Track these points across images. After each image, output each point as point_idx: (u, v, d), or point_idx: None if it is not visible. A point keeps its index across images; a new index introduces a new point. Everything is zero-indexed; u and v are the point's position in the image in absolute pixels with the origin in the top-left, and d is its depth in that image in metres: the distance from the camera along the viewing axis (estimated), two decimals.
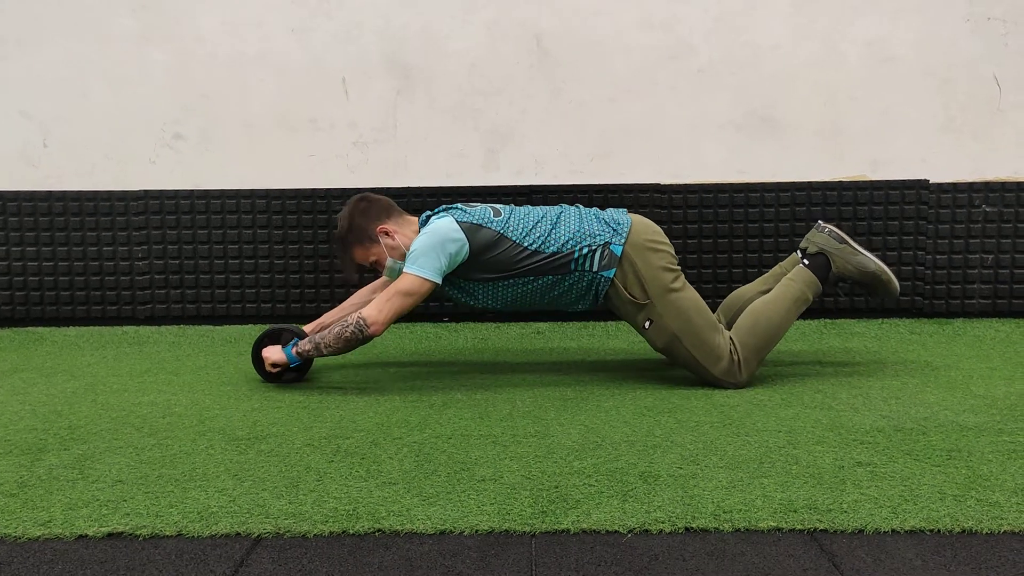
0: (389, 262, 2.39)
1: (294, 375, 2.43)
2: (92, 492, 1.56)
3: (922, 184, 3.26)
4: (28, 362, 2.77)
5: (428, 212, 2.42)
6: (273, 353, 2.38)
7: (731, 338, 2.31)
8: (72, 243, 3.34)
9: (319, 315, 3.30)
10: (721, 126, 3.32)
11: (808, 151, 3.31)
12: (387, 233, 2.38)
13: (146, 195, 3.33)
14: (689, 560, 1.28)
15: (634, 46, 3.29)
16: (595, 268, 2.31)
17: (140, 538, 1.38)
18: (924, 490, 1.52)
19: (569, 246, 2.30)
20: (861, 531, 1.36)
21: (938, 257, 3.29)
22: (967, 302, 3.29)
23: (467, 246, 2.27)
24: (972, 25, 3.25)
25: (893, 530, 1.36)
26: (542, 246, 2.30)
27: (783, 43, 3.27)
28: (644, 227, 2.37)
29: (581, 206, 2.43)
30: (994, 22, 3.24)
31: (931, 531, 1.36)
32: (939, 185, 3.27)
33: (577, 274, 2.31)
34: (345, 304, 2.64)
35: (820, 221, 2.58)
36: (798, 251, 2.58)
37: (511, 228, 2.31)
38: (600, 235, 2.31)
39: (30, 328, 3.33)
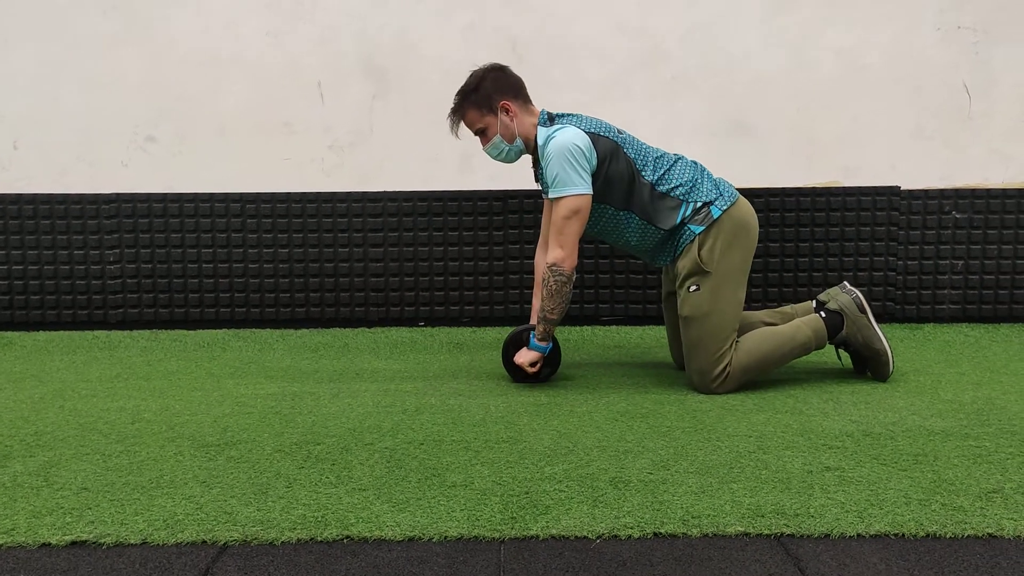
0: (496, 139, 2.40)
1: (549, 370, 2.46)
2: (57, 500, 1.54)
3: (893, 191, 3.29)
4: None
5: (547, 112, 2.40)
6: (524, 356, 2.40)
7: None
8: (43, 246, 3.30)
9: (295, 319, 3.30)
10: (695, 132, 3.34)
11: (781, 157, 3.34)
12: (507, 111, 2.38)
13: (118, 198, 3.29)
14: (657, 566, 1.29)
15: (609, 52, 3.31)
16: (687, 221, 2.33)
17: (104, 546, 1.36)
18: (890, 495, 1.53)
19: (678, 193, 2.32)
20: (827, 536, 1.38)
21: (909, 263, 3.32)
22: (937, 307, 3.33)
23: (595, 152, 2.28)
24: (942, 34, 3.29)
25: (859, 535, 1.38)
26: (658, 181, 2.32)
27: (755, 51, 3.30)
28: (748, 210, 2.40)
29: (695, 161, 2.44)
30: (964, 31, 3.29)
31: (896, 535, 1.38)
32: (910, 192, 3.30)
33: (674, 230, 2.35)
34: (536, 277, 2.64)
35: (846, 283, 2.56)
36: (814, 301, 2.58)
37: (631, 147, 2.34)
38: (708, 193, 2.34)
39: None
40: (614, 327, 3.31)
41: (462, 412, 2.14)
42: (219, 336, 3.21)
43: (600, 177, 2.31)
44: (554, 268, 2.29)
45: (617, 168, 2.30)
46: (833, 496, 1.53)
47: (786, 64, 3.31)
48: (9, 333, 3.28)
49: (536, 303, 2.56)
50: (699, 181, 2.36)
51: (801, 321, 2.45)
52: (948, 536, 1.37)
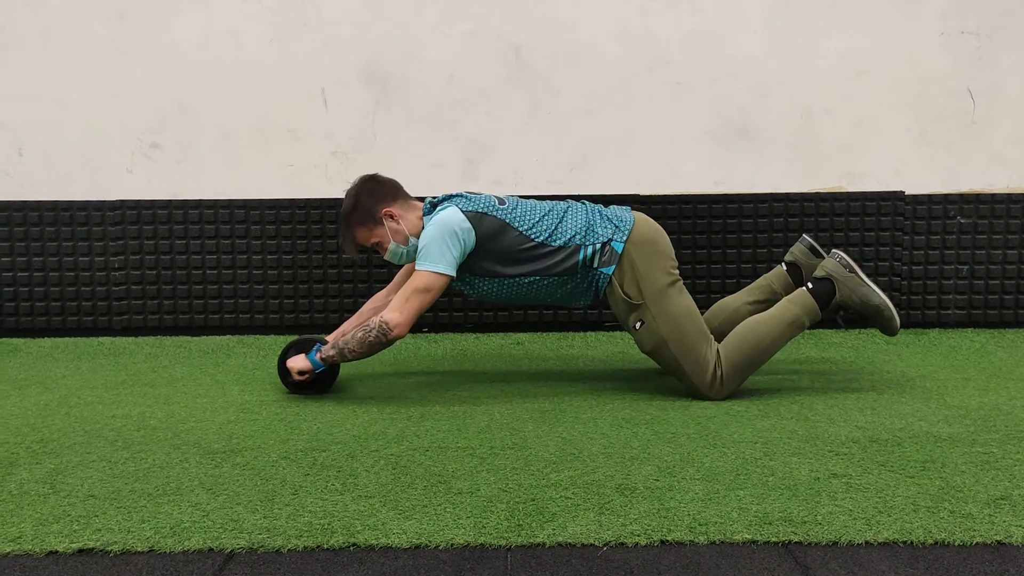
0: (391, 246, 2.38)
1: (320, 387, 2.42)
2: (63, 507, 1.54)
3: (897, 196, 3.29)
4: (1, 374, 2.73)
5: (431, 198, 2.40)
6: (298, 362, 2.36)
7: (718, 351, 2.32)
8: (47, 253, 3.31)
9: (297, 325, 3.30)
10: (698, 137, 3.34)
11: (784, 163, 3.34)
12: (392, 216, 2.37)
13: (123, 205, 3.30)
14: (664, 573, 1.28)
15: (611, 58, 3.31)
16: (596, 265, 2.32)
17: (111, 554, 1.36)
18: (898, 502, 1.53)
19: (575, 241, 2.30)
20: (835, 543, 1.37)
21: (914, 268, 3.32)
22: (942, 313, 3.33)
23: (474, 234, 2.27)
24: (945, 39, 3.29)
25: (867, 542, 1.37)
26: (548, 239, 2.30)
27: (758, 56, 3.30)
28: (648, 227, 2.38)
29: (587, 203, 2.43)
30: (967, 36, 3.29)
31: (904, 543, 1.37)
32: (914, 197, 3.30)
33: (581, 273, 2.33)
34: (363, 310, 2.62)
35: (806, 236, 2.58)
36: (783, 264, 2.58)
37: (517, 217, 2.31)
38: (603, 233, 2.32)
39: (3, 339, 3.29)
40: (617, 333, 3.31)
41: (467, 419, 2.14)
42: (224, 343, 3.21)
43: (491, 254, 2.30)
44: (383, 327, 2.24)
45: (506, 242, 2.29)
46: (841, 503, 1.52)
47: (789, 69, 3.31)
48: (14, 340, 3.28)
49: (345, 327, 2.57)
50: (593, 223, 2.33)
51: (787, 300, 2.40)
52: (957, 543, 1.37)
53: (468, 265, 2.32)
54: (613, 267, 2.31)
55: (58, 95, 3.31)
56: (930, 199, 3.30)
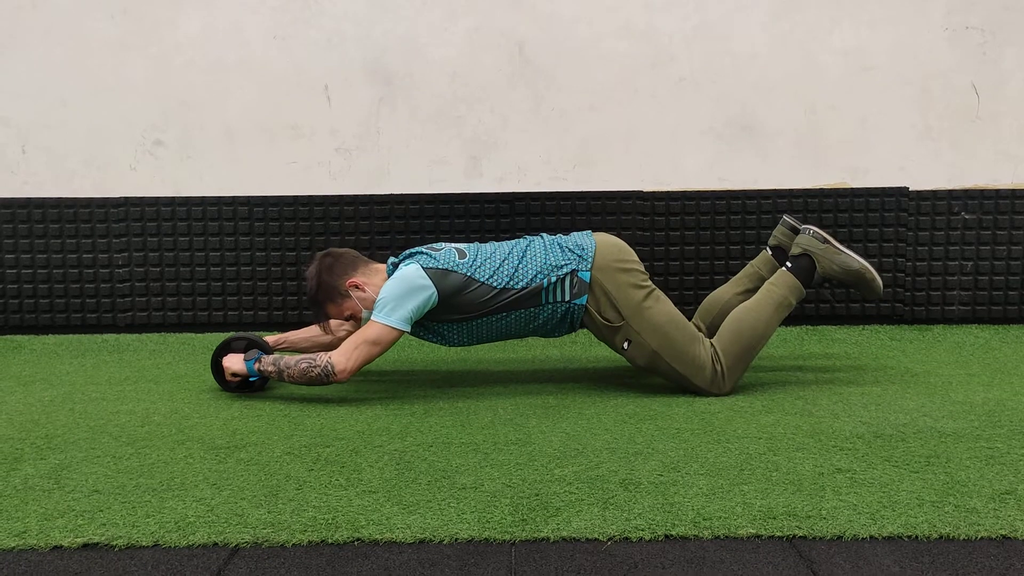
0: (364, 314, 2.36)
1: (250, 389, 2.39)
2: (68, 502, 1.54)
3: (902, 192, 3.28)
4: (6, 370, 2.74)
5: (393, 259, 2.40)
6: (234, 363, 2.34)
7: (713, 346, 2.31)
8: (51, 250, 3.31)
9: (301, 322, 3.29)
10: (702, 134, 3.33)
11: (788, 159, 3.34)
12: (357, 286, 2.35)
13: (126, 202, 3.30)
14: (668, 568, 1.28)
15: (615, 54, 3.30)
16: (567, 297, 2.30)
17: (116, 548, 1.37)
18: (903, 496, 1.52)
19: (538, 280, 2.28)
20: (840, 538, 1.37)
21: (918, 264, 3.31)
22: (947, 308, 3.32)
23: (436, 294, 2.25)
24: (950, 34, 3.28)
25: (871, 537, 1.37)
26: (510, 282, 2.28)
27: (762, 52, 3.30)
28: (610, 248, 2.36)
29: (545, 235, 2.42)
30: (972, 31, 3.28)
31: (909, 537, 1.37)
32: (918, 193, 3.29)
33: (550, 306, 2.31)
34: (315, 327, 2.58)
35: (786, 216, 2.58)
36: (767, 249, 2.58)
37: (477, 269, 2.29)
38: (567, 264, 2.30)
39: (8, 336, 3.30)
40: None
41: (471, 414, 2.14)
42: None
43: (456, 307, 2.28)
44: (328, 368, 2.21)
45: (470, 295, 2.27)
46: (845, 498, 1.52)
47: (793, 65, 3.30)
48: (18, 337, 3.29)
49: (292, 336, 2.57)
50: (553, 258, 2.31)
51: (770, 283, 2.42)
52: (961, 538, 1.36)
53: (436, 317, 2.30)
54: (585, 296, 2.30)
55: (62, 92, 3.31)
56: (934, 195, 3.29)
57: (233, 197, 3.31)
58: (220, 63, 3.31)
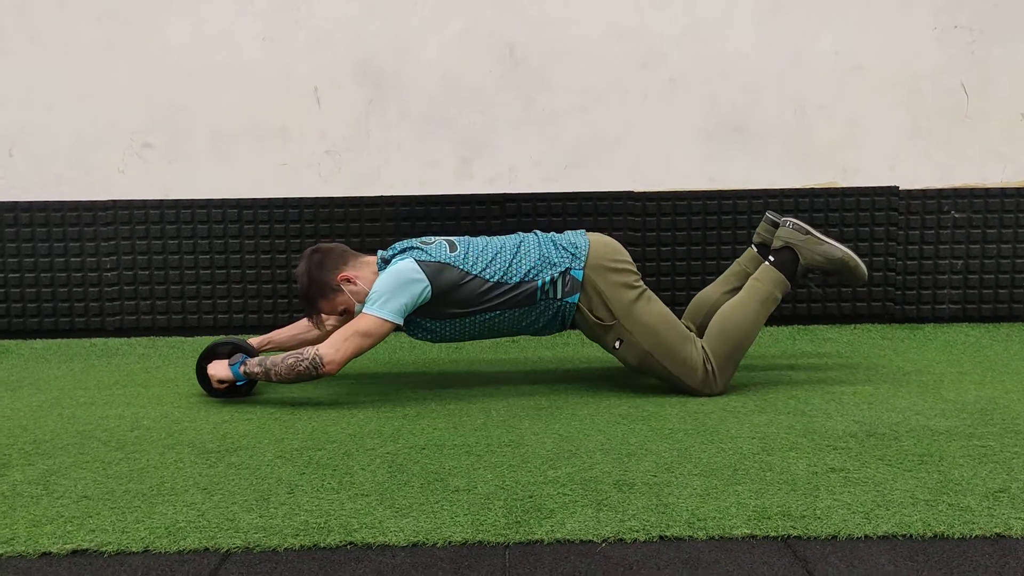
0: (357, 307, 2.34)
1: (237, 393, 2.36)
2: (57, 508, 1.53)
3: (892, 191, 3.29)
4: None
5: (383, 252, 2.38)
6: (219, 370, 2.32)
7: (703, 347, 2.31)
8: (39, 254, 3.29)
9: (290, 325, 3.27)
10: (692, 134, 3.33)
11: (778, 159, 3.34)
12: (348, 280, 2.33)
13: (114, 205, 3.28)
14: (663, 569, 1.28)
15: (605, 56, 3.30)
16: (559, 295, 2.29)
17: (105, 555, 1.35)
18: (896, 495, 1.52)
19: (531, 276, 2.27)
20: (834, 537, 1.37)
21: (909, 263, 3.32)
22: (937, 307, 3.33)
23: (429, 288, 2.23)
24: (938, 34, 3.29)
25: (866, 536, 1.37)
26: (504, 277, 2.27)
27: (752, 53, 3.30)
28: (603, 247, 2.35)
29: (539, 232, 2.41)
30: (960, 30, 3.29)
31: (903, 536, 1.37)
32: (908, 192, 3.30)
33: (543, 303, 2.30)
34: (299, 324, 2.58)
35: (769, 213, 2.57)
36: (753, 246, 2.58)
37: (470, 262, 2.28)
38: (560, 262, 2.29)
39: None
40: None
41: (463, 416, 2.13)
42: None
43: (449, 302, 2.26)
44: (317, 360, 2.19)
45: (464, 290, 2.26)
46: (839, 497, 1.52)
47: (783, 66, 3.31)
48: (6, 341, 3.26)
49: (277, 336, 2.55)
50: (547, 255, 2.31)
51: (754, 279, 2.42)
52: (956, 536, 1.36)
53: (428, 313, 2.29)
54: (578, 295, 2.29)
55: (49, 96, 3.29)
56: (924, 194, 3.30)
57: (222, 200, 3.29)
58: (208, 65, 3.29)
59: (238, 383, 2.32)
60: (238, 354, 2.35)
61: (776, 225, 2.52)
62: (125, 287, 3.31)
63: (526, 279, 2.28)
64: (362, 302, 2.32)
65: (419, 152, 3.33)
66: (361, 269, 2.37)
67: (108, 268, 3.30)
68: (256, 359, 2.28)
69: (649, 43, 3.30)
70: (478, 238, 2.39)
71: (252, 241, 3.30)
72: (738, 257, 2.64)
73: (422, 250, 2.30)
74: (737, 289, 2.54)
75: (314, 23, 3.28)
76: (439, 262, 2.26)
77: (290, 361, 2.21)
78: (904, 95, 3.32)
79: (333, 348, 2.20)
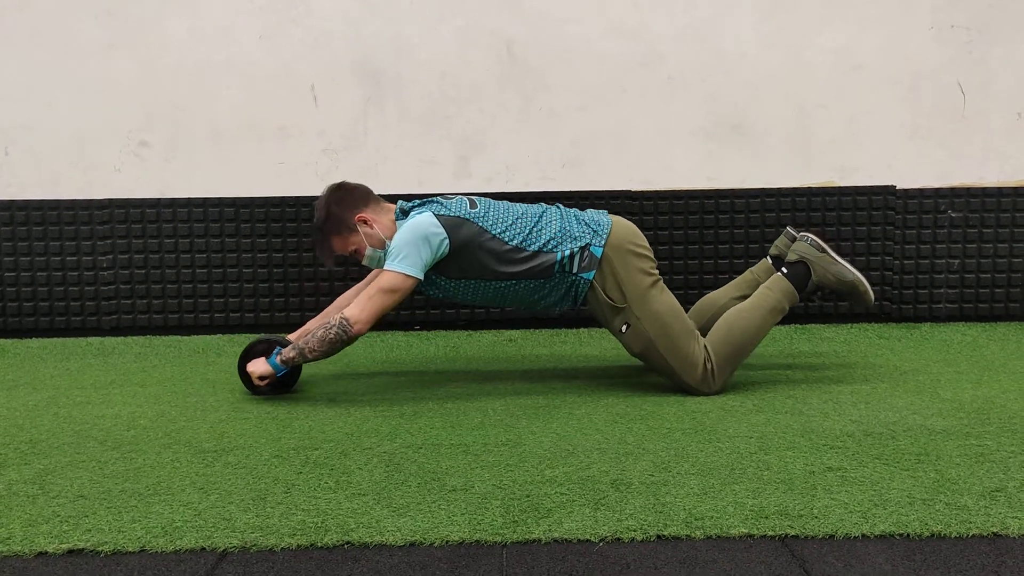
0: (369, 251, 2.35)
1: (283, 388, 2.38)
2: (53, 508, 1.52)
3: (889, 190, 3.29)
4: None
5: (403, 204, 2.38)
6: (258, 366, 2.32)
7: (706, 346, 2.32)
8: (35, 253, 3.28)
9: (288, 324, 3.27)
10: (691, 133, 3.33)
11: (777, 158, 3.34)
12: (365, 221, 2.34)
13: (111, 204, 3.27)
14: (661, 568, 1.28)
15: (604, 54, 3.30)
16: (575, 270, 2.29)
17: (102, 555, 1.35)
18: (893, 495, 1.52)
19: (551, 246, 2.28)
20: (831, 536, 1.37)
21: (906, 262, 3.32)
22: (934, 306, 3.33)
23: (448, 241, 2.24)
24: (936, 33, 3.29)
25: (863, 535, 1.37)
26: (523, 243, 2.28)
27: (751, 51, 3.30)
28: (625, 230, 2.36)
29: (561, 206, 2.41)
30: (958, 30, 3.29)
31: (900, 536, 1.37)
32: (906, 191, 3.30)
33: (558, 276, 2.30)
34: (328, 309, 2.60)
35: (789, 228, 2.60)
36: (768, 257, 2.60)
37: (490, 221, 2.28)
38: (581, 237, 2.30)
39: None
40: None
41: (460, 416, 2.13)
42: (214, 342, 3.19)
43: (465, 259, 2.27)
44: (344, 323, 2.21)
45: (482, 248, 2.26)
46: (836, 496, 1.52)
47: (781, 64, 3.30)
48: (2, 340, 3.25)
49: (311, 325, 2.53)
50: (569, 227, 2.31)
51: (764, 287, 2.44)
52: (953, 535, 1.36)
53: (441, 268, 2.29)
54: (593, 272, 2.30)
55: (46, 93, 3.28)
56: (921, 193, 3.30)
57: (219, 198, 3.28)
58: (206, 63, 3.29)
59: (279, 374, 2.32)
60: (274, 348, 2.36)
61: (794, 239, 2.54)
62: (122, 286, 3.30)
63: (544, 249, 2.28)
64: (375, 246, 2.34)
65: (417, 150, 3.33)
66: (380, 214, 2.37)
67: (105, 267, 3.29)
68: (290, 346, 2.30)
69: (648, 42, 3.30)
70: (500, 201, 2.40)
71: (249, 240, 3.29)
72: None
73: (442, 204, 2.31)
74: (746, 296, 2.55)
75: (312, 22, 3.28)
76: (458, 216, 2.26)
77: (320, 333, 2.23)
78: (903, 94, 3.32)
79: (359, 308, 2.22)
